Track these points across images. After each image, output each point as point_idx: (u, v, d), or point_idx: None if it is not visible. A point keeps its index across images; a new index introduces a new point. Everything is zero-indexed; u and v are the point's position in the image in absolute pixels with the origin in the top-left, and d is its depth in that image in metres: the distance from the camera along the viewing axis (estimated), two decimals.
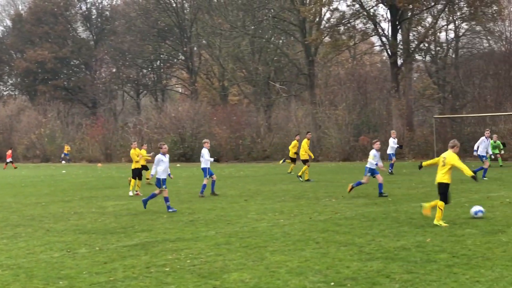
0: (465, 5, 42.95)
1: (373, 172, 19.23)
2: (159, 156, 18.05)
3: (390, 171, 28.50)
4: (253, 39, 54.63)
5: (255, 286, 8.84)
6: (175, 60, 69.89)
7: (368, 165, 19.32)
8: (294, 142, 30.94)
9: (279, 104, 56.77)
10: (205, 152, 21.79)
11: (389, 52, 45.27)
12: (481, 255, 10.07)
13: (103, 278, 9.65)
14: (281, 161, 31.00)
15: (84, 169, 46.89)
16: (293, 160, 31.31)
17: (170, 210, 17.41)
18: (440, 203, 13.29)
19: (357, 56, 55.02)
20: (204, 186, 21.63)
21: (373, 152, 19.46)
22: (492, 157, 29.86)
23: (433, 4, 43.98)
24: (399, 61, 45.17)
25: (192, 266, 10.16)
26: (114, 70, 72.70)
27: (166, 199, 17.74)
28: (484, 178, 23.67)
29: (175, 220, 15.69)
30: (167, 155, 18.38)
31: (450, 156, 13.38)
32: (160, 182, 17.82)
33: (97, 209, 18.80)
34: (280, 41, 58.63)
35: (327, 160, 43.91)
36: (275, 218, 15.30)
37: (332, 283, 8.75)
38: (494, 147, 32.33)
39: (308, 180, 26.53)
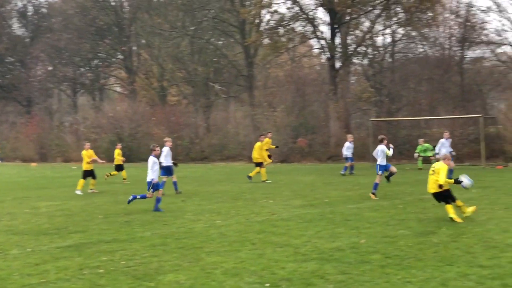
0: (401, 11, 43.78)
1: (386, 167, 19.69)
2: (154, 159, 17.77)
3: (343, 172, 29.41)
4: (192, 39, 54.41)
5: (190, 287, 8.82)
6: (114, 59, 68.93)
7: (378, 163, 19.73)
8: (266, 139, 31.79)
9: (218, 105, 56.69)
10: (165, 151, 22.00)
11: (328, 55, 45.78)
12: (413, 255, 10.28)
13: (34, 279, 9.47)
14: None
15: (18, 168, 45.87)
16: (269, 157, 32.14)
17: (129, 202, 17.67)
18: (458, 202, 14.13)
19: (296, 59, 55.24)
20: (175, 183, 22.22)
21: (381, 148, 19.82)
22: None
23: (370, 9, 44.69)
24: (337, 64, 45.71)
25: (126, 268, 10.06)
26: (50, 68, 71.23)
27: (143, 197, 17.62)
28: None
29: (111, 221, 15.51)
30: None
31: (439, 166, 14.27)
32: (151, 185, 17.64)
33: (30, 210, 18.44)
34: (220, 42, 58.51)
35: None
36: (212, 219, 15.29)
37: (267, 284, 8.80)
38: (424, 150, 33.10)
39: (249, 177, 26.68)
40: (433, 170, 14.29)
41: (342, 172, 29.45)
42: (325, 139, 43.67)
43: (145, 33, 59.56)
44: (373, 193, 19.00)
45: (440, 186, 14.06)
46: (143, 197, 17.58)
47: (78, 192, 23.41)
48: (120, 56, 66.34)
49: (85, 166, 24.43)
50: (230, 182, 26.93)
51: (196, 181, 28.22)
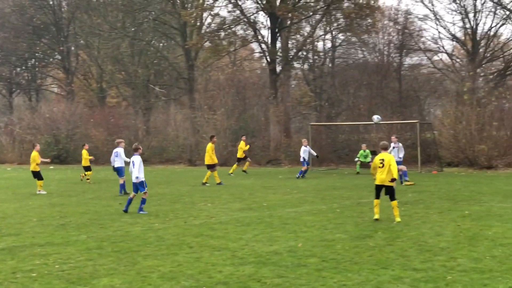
0: (341, 17, 44.33)
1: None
2: (140, 158, 17.62)
3: (298, 176, 29.67)
4: (133, 41, 53.81)
5: None
6: (51, 59, 67.71)
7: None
8: (242, 143, 32.68)
9: (158, 108, 56.26)
10: (121, 152, 22.38)
11: (268, 59, 45.95)
12: (349, 259, 10.37)
13: None
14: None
15: None
16: (243, 159, 33.13)
17: (141, 212, 17.00)
18: (394, 203, 14.37)
19: (237, 62, 55.34)
20: (122, 185, 22.30)
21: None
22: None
23: (311, 14, 45.10)
24: (278, 68, 45.94)
25: (60, 272, 9.86)
26: None
27: (143, 201, 17.31)
28: (406, 179, 24.31)
29: (45, 224, 15.19)
30: None
31: (388, 157, 14.52)
32: (142, 184, 17.44)
33: None
34: (161, 44, 58.15)
35: (204, 164, 43.85)
36: (149, 222, 15.14)
37: None
38: (365, 156, 33.59)
39: (219, 183, 26.35)
40: (381, 162, 14.44)
41: (298, 176, 29.64)
42: (264, 143, 43.78)
43: (84, 33, 58.63)
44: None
45: (393, 180, 14.27)
46: (143, 201, 17.37)
47: (43, 192, 23.36)
48: (58, 56, 65.16)
49: (35, 168, 24.38)
50: (169, 185, 26.74)
51: None
